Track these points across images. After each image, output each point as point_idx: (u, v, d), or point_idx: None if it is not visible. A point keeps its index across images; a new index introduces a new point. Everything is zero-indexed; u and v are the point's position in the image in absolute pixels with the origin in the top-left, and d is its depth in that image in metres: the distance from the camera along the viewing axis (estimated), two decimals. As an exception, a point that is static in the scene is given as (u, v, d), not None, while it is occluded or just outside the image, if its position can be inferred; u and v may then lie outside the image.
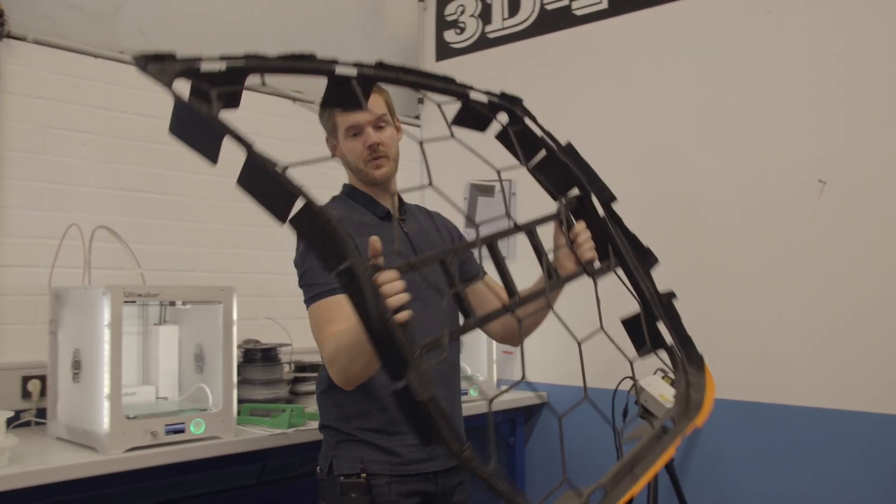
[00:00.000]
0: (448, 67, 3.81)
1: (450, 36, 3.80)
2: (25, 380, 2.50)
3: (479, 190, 3.57)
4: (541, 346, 3.27)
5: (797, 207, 2.70)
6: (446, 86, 1.31)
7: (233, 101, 1.03)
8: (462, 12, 3.74)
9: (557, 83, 3.38)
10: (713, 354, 2.85)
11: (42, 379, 2.50)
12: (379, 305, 0.93)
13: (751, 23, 2.85)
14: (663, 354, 1.51)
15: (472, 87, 1.33)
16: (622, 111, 3.18)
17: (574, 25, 3.34)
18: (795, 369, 2.69)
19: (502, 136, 1.44)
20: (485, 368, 3.14)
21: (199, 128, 0.94)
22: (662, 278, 2.99)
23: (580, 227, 1.61)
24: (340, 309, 1.71)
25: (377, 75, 1.22)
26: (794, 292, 2.70)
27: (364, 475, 1.82)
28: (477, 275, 2.01)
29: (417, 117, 3.90)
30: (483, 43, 3.65)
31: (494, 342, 3.10)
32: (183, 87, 0.97)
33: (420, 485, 1.86)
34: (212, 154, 0.94)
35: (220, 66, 1.01)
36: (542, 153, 1.41)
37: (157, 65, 0.96)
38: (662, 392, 2.50)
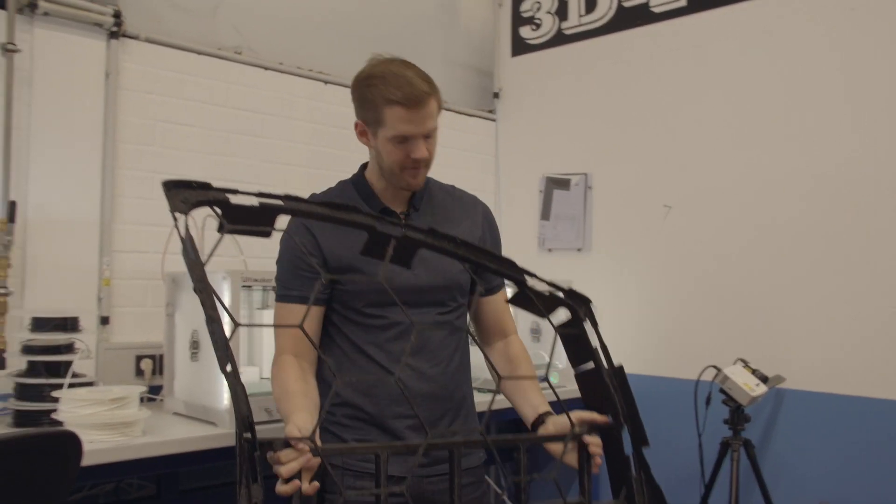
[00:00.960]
0: (523, 63, 3.90)
1: (525, 32, 3.89)
2: (138, 359, 2.67)
3: (555, 183, 3.66)
4: (619, 335, 3.37)
5: (878, 200, 2.75)
6: (501, 268, 1.18)
7: (262, 233, 1.04)
8: (538, 9, 3.83)
9: (635, 80, 3.46)
10: (792, 345, 2.93)
11: (153, 358, 2.67)
12: (248, 490, 0.93)
13: (833, 19, 2.90)
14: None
15: (532, 275, 1.19)
16: (700, 107, 3.24)
17: (652, 22, 3.41)
18: (874, 361, 2.74)
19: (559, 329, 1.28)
20: (564, 356, 3.23)
21: (189, 263, 0.98)
22: (740, 268, 3.06)
23: (594, 439, 1.38)
24: (285, 320, 1.74)
25: (423, 241, 1.11)
26: (871, 284, 2.76)
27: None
28: (496, 286, 1.90)
29: (492, 111, 4.01)
30: (559, 39, 3.74)
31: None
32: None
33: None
34: (196, 286, 0.98)
35: (253, 201, 1.00)
36: (590, 365, 1.28)
37: (182, 191, 0.97)
38: (746, 380, 2.58)
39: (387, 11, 3.66)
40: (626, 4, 3.50)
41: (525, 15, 3.90)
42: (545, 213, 3.69)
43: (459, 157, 3.83)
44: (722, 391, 2.62)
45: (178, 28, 2.96)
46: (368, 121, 1.72)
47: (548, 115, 3.77)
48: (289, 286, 1.74)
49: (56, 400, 2.06)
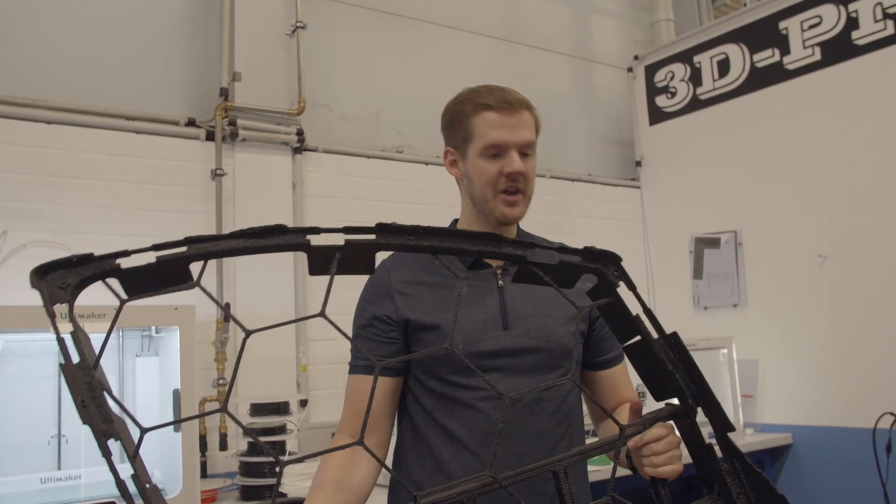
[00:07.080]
0: (661, 131, 4.06)
1: (661, 101, 4.06)
2: (334, 436, 2.96)
3: (705, 242, 3.76)
4: (785, 387, 3.39)
5: None
6: (487, 247, 0.90)
7: (177, 288, 0.77)
8: (672, 78, 4.00)
9: (774, 135, 3.54)
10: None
11: (348, 434, 2.95)
12: None
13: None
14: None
15: (535, 245, 0.93)
16: (840, 156, 3.28)
17: (786, 79, 3.50)
18: None
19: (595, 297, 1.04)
20: (730, 411, 3.28)
21: (71, 372, 0.71)
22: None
23: (657, 432, 1.18)
24: (349, 400, 1.50)
25: (370, 242, 0.83)
26: None
27: None
28: (615, 358, 1.55)
29: (635, 179, 4.17)
30: (695, 105, 3.89)
31: (738, 385, 3.28)
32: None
33: None
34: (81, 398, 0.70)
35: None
36: (637, 338, 1.04)
37: (58, 274, 0.73)
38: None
39: (527, 92, 3.93)
40: (759, 65, 3.62)
41: (659, 85, 4.07)
42: (697, 272, 3.79)
43: (607, 226, 4.01)
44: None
45: (348, 136, 3.34)
46: (458, 141, 1.49)
47: (691, 178, 3.90)
48: (357, 354, 1.50)
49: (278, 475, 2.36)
